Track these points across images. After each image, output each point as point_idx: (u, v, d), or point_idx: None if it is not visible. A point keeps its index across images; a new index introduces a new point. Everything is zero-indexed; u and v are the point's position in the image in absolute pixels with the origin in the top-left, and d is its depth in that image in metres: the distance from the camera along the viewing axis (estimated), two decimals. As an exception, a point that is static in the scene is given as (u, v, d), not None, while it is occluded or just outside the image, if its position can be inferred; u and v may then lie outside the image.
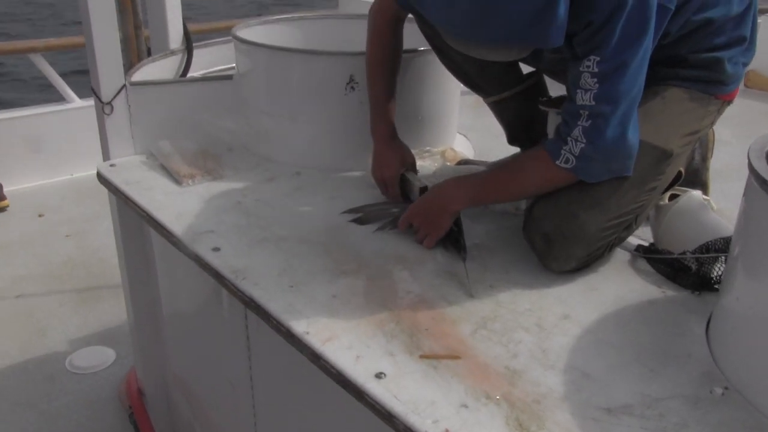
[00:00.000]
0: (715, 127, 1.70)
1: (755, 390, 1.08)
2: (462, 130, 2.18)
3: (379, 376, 1.11)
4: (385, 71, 1.75)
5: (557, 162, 1.38)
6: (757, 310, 1.08)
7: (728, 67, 1.48)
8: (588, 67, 1.31)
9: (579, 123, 1.35)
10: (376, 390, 1.09)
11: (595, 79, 1.31)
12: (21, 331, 2.96)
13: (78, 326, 2.97)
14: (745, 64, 1.53)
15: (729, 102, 1.54)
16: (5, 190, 4.15)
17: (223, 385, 1.81)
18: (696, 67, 1.48)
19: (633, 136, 1.36)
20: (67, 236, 3.77)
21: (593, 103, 1.32)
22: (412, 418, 1.03)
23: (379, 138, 1.74)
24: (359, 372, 1.13)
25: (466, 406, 1.06)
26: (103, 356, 2.77)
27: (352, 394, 1.12)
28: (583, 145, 1.35)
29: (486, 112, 1.96)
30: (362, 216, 1.63)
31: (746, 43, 1.51)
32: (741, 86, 1.61)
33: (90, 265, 3.44)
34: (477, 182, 1.51)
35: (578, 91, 1.34)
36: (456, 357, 1.17)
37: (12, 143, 4.25)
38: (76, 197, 4.15)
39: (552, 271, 1.42)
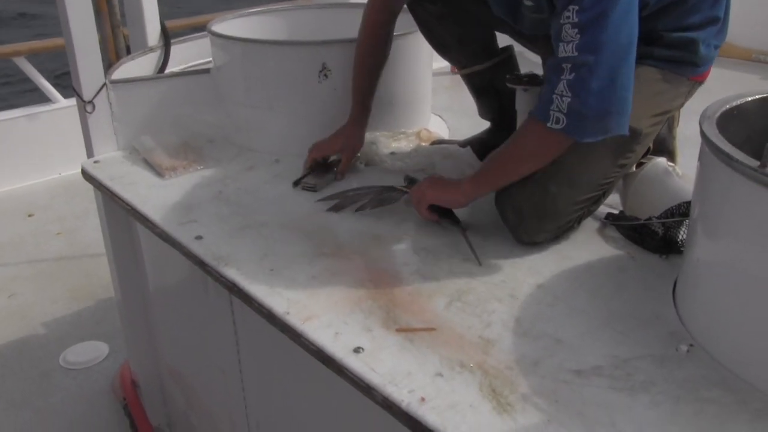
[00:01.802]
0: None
1: (717, 345, 1.12)
2: (437, 111, 2.22)
3: (357, 350, 1.16)
4: (366, 65, 1.79)
5: (548, 125, 1.33)
6: (715, 268, 1.13)
7: (702, 49, 1.50)
8: (568, 18, 1.28)
9: (563, 77, 1.31)
10: (355, 364, 1.13)
11: (576, 30, 1.28)
12: (15, 330, 2.98)
13: (71, 322, 3.00)
14: (717, 47, 1.55)
15: (701, 83, 1.57)
16: (-8, 192, 4.17)
17: (213, 372, 1.85)
18: (671, 46, 1.49)
19: (625, 92, 1.32)
20: (57, 234, 3.79)
21: (576, 53, 1.29)
22: (389, 389, 1.07)
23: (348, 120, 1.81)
24: (338, 348, 1.17)
25: (441, 375, 1.10)
26: (96, 351, 2.81)
27: (333, 369, 1.16)
28: (569, 99, 1.30)
29: (460, 93, 2.00)
30: (338, 203, 1.65)
31: (719, 24, 1.52)
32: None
33: (81, 262, 3.46)
34: (482, 171, 1.50)
35: (560, 44, 1.31)
36: (431, 329, 1.21)
37: (-1, 145, 4.26)
38: (65, 196, 4.17)
39: (522, 243, 1.46)
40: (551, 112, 1.32)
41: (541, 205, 1.41)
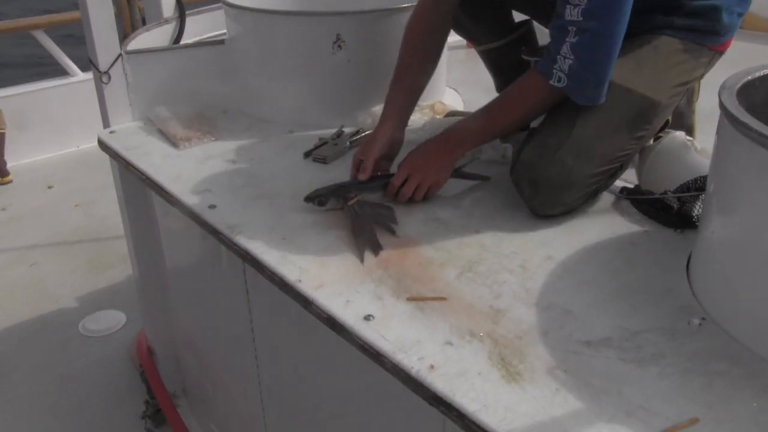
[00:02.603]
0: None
1: (730, 319, 1.12)
2: (452, 84, 2.20)
3: (367, 318, 1.16)
4: (420, 60, 1.67)
5: (551, 81, 1.38)
6: (730, 241, 1.12)
7: (724, 17, 1.47)
8: None
9: (567, 39, 1.34)
10: (365, 331, 1.14)
11: None
12: (35, 298, 3.04)
13: (89, 292, 3.05)
14: (741, 15, 1.52)
15: (722, 53, 1.54)
16: (12, 164, 4.21)
17: (227, 339, 1.87)
18: (692, 15, 1.46)
19: (612, 62, 1.36)
20: (76, 206, 3.84)
21: (581, 18, 1.31)
22: (398, 356, 1.08)
23: (382, 118, 1.65)
24: (349, 315, 1.17)
25: (450, 344, 1.10)
26: (114, 319, 2.86)
27: (343, 336, 1.17)
28: (571, 62, 1.35)
29: (475, 66, 1.98)
30: (321, 199, 1.51)
31: None
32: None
33: (99, 233, 3.51)
34: (480, 115, 1.52)
35: (567, 6, 1.32)
36: (442, 299, 1.21)
37: (19, 118, 4.30)
38: (83, 168, 4.22)
39: (537, 215, 1.45)
40: (554, 71, 1.37)
41: (556, 178, 1.40)
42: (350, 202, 1.47)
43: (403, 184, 1.51)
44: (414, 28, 1.65)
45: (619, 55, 1.39)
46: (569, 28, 1.33)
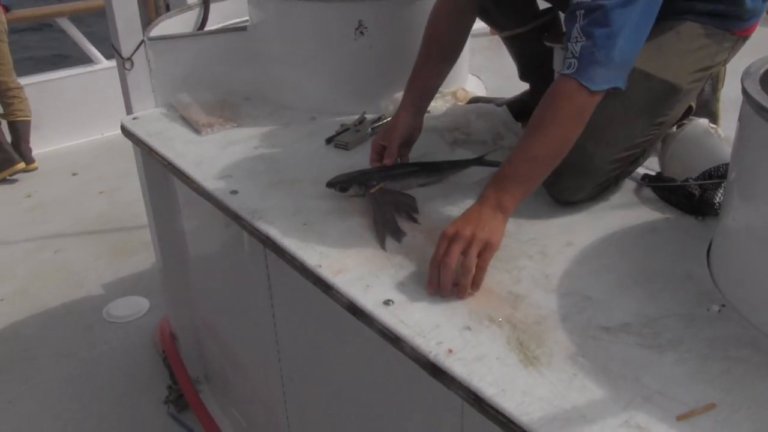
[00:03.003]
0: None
1: (750, 305, 1.11)
2: (474, 71, 2.20)
3: (387, 303, 1.17)
4: (443, 46, 1.65)
5: (563, 71, 1.27)
6: (751, 228, 1.11)
7: (748, 1, 1.45)
8: None
9: (577, 23, 1.26)
10: (385, 316, 1.14)
11: None
12: (60, 284, 3.09)
13: (113, 278, 3.10)
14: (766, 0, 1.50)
15: (745, 38, 1.52)
16: (37, 152, 4.27)
17: (248, 325, 1.89)
18: (714, 0, 1.45)
19: (634, 47, 1.28)
20: (100, 193, 3.89)
21: None
22: (417, 341, 1.09)
23: (403, 104, 1.62)
24: (368, 300, 1.18)
25: (469, 329, 1.11)
26: (137, 305, 2.90)
27: (362, 320, 1.18)
28: (583, 42, 1.25)
29: (499, 54, 1.98)
30: (342, 185, 1.51)
31: None
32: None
33: (123, 220, 3.55)
34: (516, 153, 1.31)
35: None
36: (711, 406, 0.96)
37: (44, 106, 4.35)
38: (107, 156, 4.26)
39: (559, 203, 1.45)
40: (566, 60, 1.27)
41: (577, 164, 1.39)
42: (372, 190, 1.48)
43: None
44: (438, 14, 1.64)
45: None
46: (577, 12, 1.27)
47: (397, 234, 1.36)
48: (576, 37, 1.26)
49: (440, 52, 1.65)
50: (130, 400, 2.46)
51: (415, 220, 1.42)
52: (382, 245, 1.34)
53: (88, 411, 2.43)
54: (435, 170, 1.57)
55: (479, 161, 1.59)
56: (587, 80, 1.26)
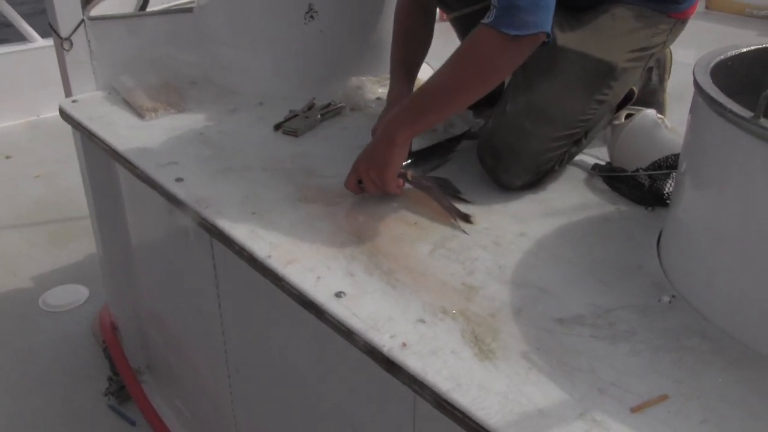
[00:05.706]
0: (676, 49, 1.71)
1: (699, 296, 1.12)
2: (426, 59, 2.18)
3: (338, 295, 1.15)
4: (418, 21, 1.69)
5: (482, 21, 1.25)
6: (701, 219, 1.12)
7: None
8: None
9: None
10: (336, 309, 1.12)
11: None
12: (-8, 272, 2.96)
13: (50, 266, 2.98)
14: None
15: (683, 21, 1.54)
16: (-31, 133, 4.09)
17: (193, 314, 1.85)
18: None
19: None
20: (36, 177, 3.74)
21: None
22: (370, 334, 1.07)
23: (395, 78, 1.66)
24: (320, 292, 1.16)
25: (423, 321, 1.09)
26: (76, 294, 2.79)
27: (313, 313, 1.15)
28: None
29: (447, 41, 1.95)
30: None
31: None
32: (702, 8, 1.61)
33: (61, 205, 3.43)
34: (420, 90, 1.38)
35: None
36: (664, 397, 0.97)
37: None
38: (44, 138, 4.10)
39: (503, 187, 1.45)
40: (488, 12, 1.25)
41: (517, 144, 1.40)
42: (410, 177, 1.43)
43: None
44: (404, 10, 1.68)
45: (577, 25, 1.40)
46: None
47: (465, 216, 1.36)
48: None
49: (416, 42, 1.69)
50: (67, 392, 2.37)
51: (465, 200, 1.42)
52: (466, 218, 1.35)
53: (21, 405, 2.33)
54: (441, 154, 1.59)
55: (469, 135, 1.62)
56: (507, 26, 1.23)
